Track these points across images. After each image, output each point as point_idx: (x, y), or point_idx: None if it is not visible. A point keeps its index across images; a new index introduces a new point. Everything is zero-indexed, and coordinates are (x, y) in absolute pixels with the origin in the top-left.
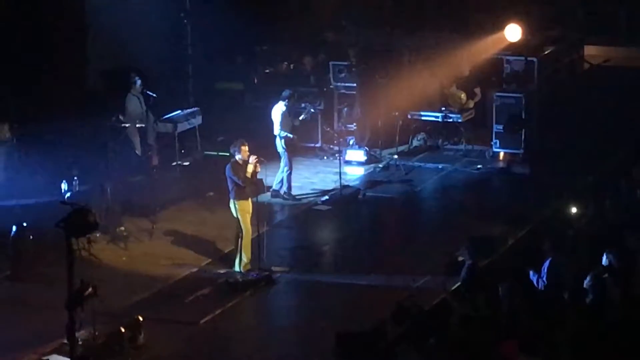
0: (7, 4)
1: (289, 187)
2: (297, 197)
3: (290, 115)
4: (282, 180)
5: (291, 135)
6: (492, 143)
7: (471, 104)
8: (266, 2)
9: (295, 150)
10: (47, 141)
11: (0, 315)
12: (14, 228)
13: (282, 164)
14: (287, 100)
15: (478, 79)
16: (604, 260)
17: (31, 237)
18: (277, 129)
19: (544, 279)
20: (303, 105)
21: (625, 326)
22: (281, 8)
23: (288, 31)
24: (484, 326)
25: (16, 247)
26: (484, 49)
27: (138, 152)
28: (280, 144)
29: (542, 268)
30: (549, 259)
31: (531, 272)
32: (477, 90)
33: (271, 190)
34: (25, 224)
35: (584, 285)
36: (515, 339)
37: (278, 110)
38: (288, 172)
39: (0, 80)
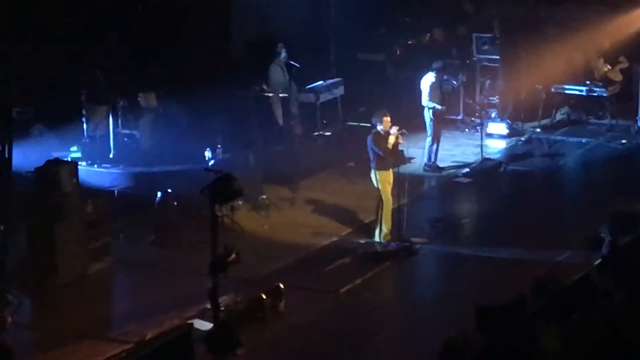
0: None
1: (435, 158)
2: (442, 167)
3: (439, 86)
4: (429, 152)
5: (440, 107)
6: (638, 118)
7: (618, 75)
8: None
9: (442, 122)
10: (192, 110)
11: (146, 280)
12: (159, 194)
13: (428, 135)
14: (436, 72)
15: (624, 53)
16: None
17: (176, 203)
18: (425, 100)
19: None
20: (445, 77)
21: None
22: None
23: (431, 2)
24: (628, 304)
25: (161, 213)
26: (630, 22)
27: (280, 122)
28: (428, 115)
29: None
30: None
31: None
32: (622, 58)
33: (423, 165)
34: (170, 191)
35: None
36: None
37: (427, 81)
38: (432, 143)
39: (147, 50)
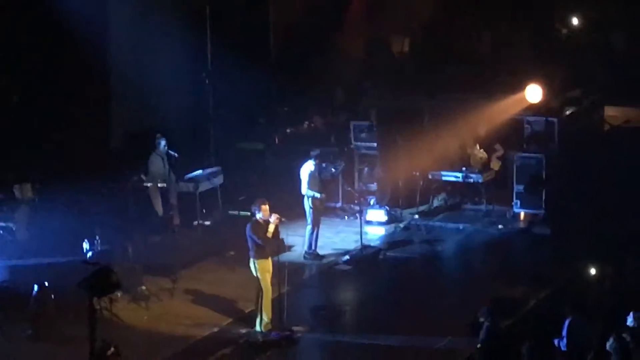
0: (32, 64)
1: (315, 246)
2: (322, 255)
3: (318, 174)
4: (309, 240)
5: (318, 195)
6: (513, 203)
7: (495, 164)
8: (287, 64)
9: (322, 210)
10: (70, 200)
11: None
12: (36, 287)
13: (307, 223)
14: (315, 160)
15: (499, 139)
16: (629, 321)
17: (53, 296)
18: (304, 188)
19: (565, 339)
20: (324, 165)
21: None
22: (303, 69)
23: (309, 92)
24: None
25: (38, 307)
26: (504, 109)
27: (159, 212)
28: (307, 203)
29: (562, 328)
30: (569, 319)
31: (556, 340)
32: (498, 146)
33: (304, 253)
34: (46, 284)
35: (607, 348)
36: None
37: (306, 170)
38: (312, 231)
39: (24, 140)
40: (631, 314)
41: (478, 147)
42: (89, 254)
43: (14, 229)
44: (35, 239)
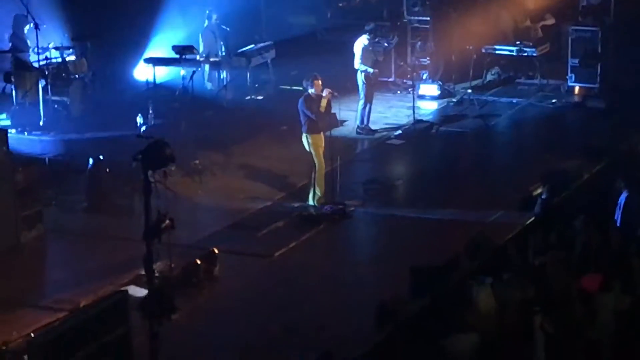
0: None
1: (368, 121)
2: (374, 130)
3: (372, 49)
4: (362, 115)
5: (371, 70)
6: (568, 77)
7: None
8: None
9: (375, 84)
10: (123, 75)
11: (78, 247)
12: (91, 161)
13: (360, 98)
14: (369, 34)
15: (553, 13)
16: None
17: (108, 169)
18: (357, 63)
19: (620, 214)
20: (377, 39)
21: None
22: None
23: None
24: (559, 261)
25: (93, 180)
26: None
27: (211, 86)
28: (360, 78)
29: (618, 204)
30: (624, 194)
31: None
32: (549, 15)
33: (356, 128)
34: (101, 157)
35: None
36: (597, 274)
37: (360, 44)
38: (364, 105)
39: (79, 15)
40: None
41: (529, 20)
42: (143, 128)
43: (68, 103)
44: (90, 114)
